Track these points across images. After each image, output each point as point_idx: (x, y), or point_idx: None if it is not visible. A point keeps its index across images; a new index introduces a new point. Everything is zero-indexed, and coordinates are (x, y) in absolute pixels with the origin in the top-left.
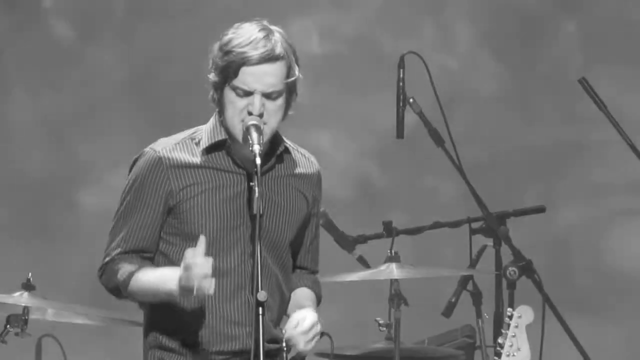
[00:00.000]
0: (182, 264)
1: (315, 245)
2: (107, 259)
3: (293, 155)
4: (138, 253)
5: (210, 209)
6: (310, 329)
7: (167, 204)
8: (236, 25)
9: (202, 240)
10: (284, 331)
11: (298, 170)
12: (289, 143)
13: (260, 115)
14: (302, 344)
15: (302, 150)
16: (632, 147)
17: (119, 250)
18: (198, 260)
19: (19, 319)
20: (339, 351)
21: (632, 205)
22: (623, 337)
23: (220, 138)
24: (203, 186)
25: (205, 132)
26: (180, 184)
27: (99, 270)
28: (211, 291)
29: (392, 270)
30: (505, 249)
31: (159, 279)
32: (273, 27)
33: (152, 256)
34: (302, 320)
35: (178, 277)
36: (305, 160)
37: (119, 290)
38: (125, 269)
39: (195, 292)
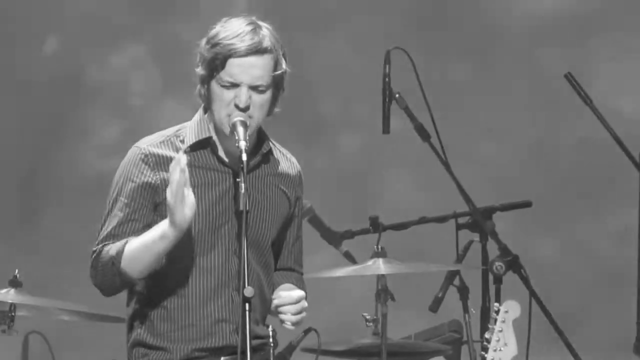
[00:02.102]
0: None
1: (298, 247)
2: (94, 254)
3: (275, 154)
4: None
5: (197, 208)
6: (298, 301)
7: (154, 200)
8: (224, 19)
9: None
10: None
11: (281, 169)
12: (272, 142)
13: (247, 108)
14: (289, 315)
15: (283, 150)
16: (618, 141)
17: (105, 244)
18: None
19: (6, 316)
20: (326, 347)
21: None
22: (609, 328)
23: (205, 136)
24: (189, 184)
25: (190, 129)
26: (165, 182)
27: (90, 268)
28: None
29: (379, 266)
30: (491, 244)
31: (150, 231)
32: (261, 22)
33: None
34: (290, 294)
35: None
36: (286, 160)
37: (113, 270)
38: (115, 245)
39: (181, 202)
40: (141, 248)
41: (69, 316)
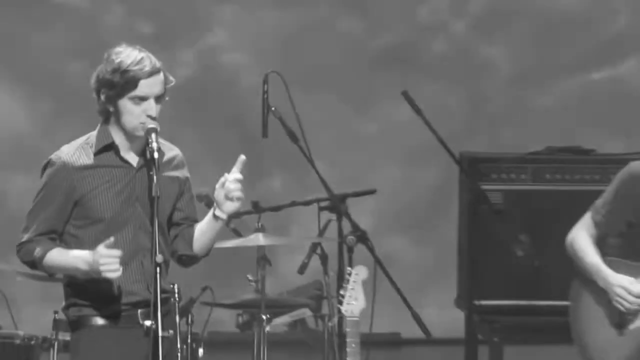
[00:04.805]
0: (95, 253)
1: (193, 206)
2: (24, 239)
3: (162, 147)
4: (48, 234)
5: (106, 198)
6: (238, 181)
7: (73, 198)
8: (116, 51)
9: (110, 241)
10: (171, 286)
11: (167, 158)
12: None
13: (156, 117)
14: (236, 193)
15: (166, 142)
16: (443, 143)
17: (33, 233)
18: (104, 251)
19: None
20: (218, 300)
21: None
22: (438, 287)
23: (108, 142)
24: (99, 181)
25: (96, 138)
26: (81, 182)
27: (17, 246)
28: (116, 274)
29: (259, 239)
30: (345, 222)
31: (71, 258)
32: (141, 48)
33: (58, 237)
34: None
35: (86, 259)
36: (169, 150)
37: (34, 264)
38: (40, 247)
39: (100, 275)
40: (58, 263)
41: (22, 277)
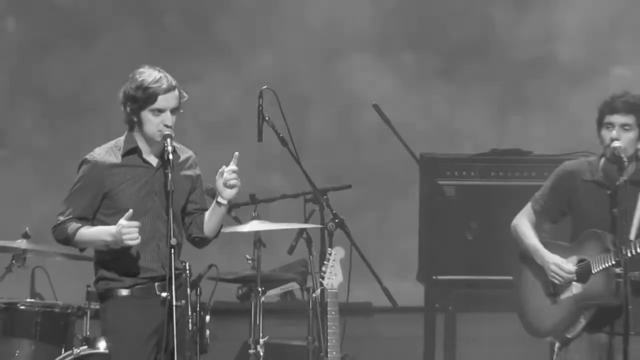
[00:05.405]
0: (118, 225)
1: (204, 199)
2: (59, 221)
3: (177, 150)
4: (80, 219)
5: (130, 192)
6: (234, 172)
7: (102, 191)
8: (139, 71)
9: (130, 212)
10: (183, 263)
11: (182, 159)
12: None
13: (171, 126)
14: (233, 181)
15: (182, 147)
16: (406, 146)
17: (68, 217)
18: (125, 223)
19: (20, 257)
20: (222, 276)
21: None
22: (401, 265)
23: (133, 146)
24: (124, 177)
25: (123, 142)
26: (110, 178)
27: (53, 227)
28: (136, 242)
29: (255, 225)
30: (326, 212)
31: (98, 231)
32: (159, 68)
33: (89, 222)
34: (230, 168)
35: (110, 232)
36: (182, 152)
37: (68, 240)
38: (72, 226)
39: (123, 243)
40: (88, 237)
41: (61, 258)
